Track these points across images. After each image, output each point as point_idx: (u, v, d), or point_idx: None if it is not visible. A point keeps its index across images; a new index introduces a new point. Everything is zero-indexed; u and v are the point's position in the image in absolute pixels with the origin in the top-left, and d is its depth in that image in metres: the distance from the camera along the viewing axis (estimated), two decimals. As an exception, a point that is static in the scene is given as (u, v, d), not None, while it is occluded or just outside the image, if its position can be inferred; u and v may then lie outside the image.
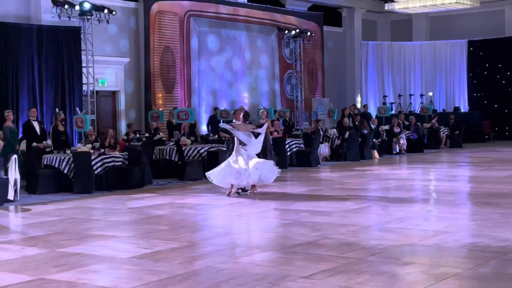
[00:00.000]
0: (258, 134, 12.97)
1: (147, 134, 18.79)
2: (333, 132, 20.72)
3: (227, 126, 13.00)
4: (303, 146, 19.11)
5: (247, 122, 13.51)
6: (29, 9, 18.33)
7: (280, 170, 13.15)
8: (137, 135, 18.43)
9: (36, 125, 15.53)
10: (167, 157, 16.30)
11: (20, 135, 15.77)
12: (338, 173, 16.90)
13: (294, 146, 18.88)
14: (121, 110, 20.97)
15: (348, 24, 29.66)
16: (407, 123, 23.78)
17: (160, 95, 21.45)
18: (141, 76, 21.23)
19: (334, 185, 14.53)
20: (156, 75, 21.29)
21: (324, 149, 20.15)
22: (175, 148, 16.22)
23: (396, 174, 16.64)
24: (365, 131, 20.95)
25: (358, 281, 6.30)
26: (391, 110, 26.60)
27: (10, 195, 12.42)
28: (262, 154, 13.35)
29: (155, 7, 21.19)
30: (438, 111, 27.85)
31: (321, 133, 20.11)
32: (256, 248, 7.96)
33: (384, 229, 9.04)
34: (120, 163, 14.40)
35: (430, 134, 24.14)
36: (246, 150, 12.63)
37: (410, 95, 29.61)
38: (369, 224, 9.70)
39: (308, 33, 25.99)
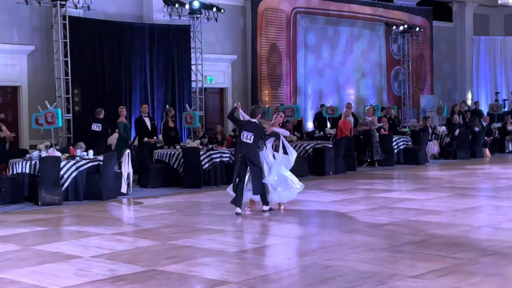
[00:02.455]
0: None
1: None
2: (442, 129, 20.21)
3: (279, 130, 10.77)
4: (410, 143, 18.75)
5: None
6: (141, 9, 18.93)
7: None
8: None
9: (147, 121, 16.02)
10: (273, 154, 16.38)
11: (133, 131, 16.33)
12: (447, 172, 16.48)
13: (401, 143, 18.56)
14: (229, 106, 21.29)
15: (459, 19, 28.78)
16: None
17: (266, 91, 21.63)
18: (248, 73, 21.48)
19: (443, 183, 14.18)
20: (263, 72, 21.48)
21: (432, 147, 19.69)
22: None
23: (508, 174, 16.03)
24: (476, 129, 20.31)
25: (470, 282, 6.12)
26: (504, 107, 25.62)
27: (123, 189, 12.89)
28: None
29: (262, 4, 21.38)
30: (555, 108, 26.58)
31: (430, 130, 19.65)
32: (363, 246, 7.89)
33: (497, 230, 8.74)
34: (227, 159, 14.63)
35: (546, 132, 23.09)
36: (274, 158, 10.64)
37: (525, 91, 28.45)
38: (480, 224, 9.41)
39: (417, 29, 25.45)
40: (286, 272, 6.64)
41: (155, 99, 18.37)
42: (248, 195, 10.57)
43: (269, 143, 10.66)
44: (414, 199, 11.79)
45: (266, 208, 10.57)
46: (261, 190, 10.47)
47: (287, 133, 11.15)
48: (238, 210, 10.35)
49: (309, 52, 23.01)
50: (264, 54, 21.47)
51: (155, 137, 15.98)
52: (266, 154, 10.55)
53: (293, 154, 10.78)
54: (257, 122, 10.53)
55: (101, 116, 15.21)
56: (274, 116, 11.10)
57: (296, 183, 10.79)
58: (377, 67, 25.29)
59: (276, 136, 10.59)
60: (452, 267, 6.67)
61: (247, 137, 10.32)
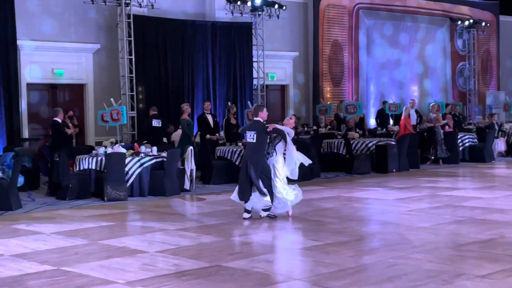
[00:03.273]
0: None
1: (314, 127, 18.93)
2: (509, 126, 19.71)
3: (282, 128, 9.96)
4: (476, 141, 18.35)
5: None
6: (204, 7, 19.11)
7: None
8: (305, 128, 18.62)
9: (209, 118, 16.14)
10: (335, 151, 16.32)
11: (195, 128, 16.49)
12: (515, 170, 16.07)
13: (466, 141, 18.18)
14: (290, 103, 21.28)
15: (527, 13, 28.01)
16: None
17: (328, 88, 21.53)
18: (309, 70, 21.41)
19: (511, 181, 13.82)
20: (324, 69, 21.38)
21: (499, 144, 19.23)
22: (343, 141, 16.21)
23: None
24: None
25: (541, 283, 5.96)
26: None
27: (186, 185, 13.03)
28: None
29: (324, 1, 21.29)
30: None
31: (496, 127, 19.19)
32: (428, 244, 7.76)
33: None
34: (288, 156, 14.58)
35: None
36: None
37: None
38: (550, 224, 9.13)
39: (483, 23, 24.89)
40: (351, 270, 6.59)
41: (217, 96, 18.52)
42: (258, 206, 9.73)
43: (280, 148, 9.79)
44: (480, 197, 11.53)
45: (264, 214, 9.73)
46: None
47: (292, 132, 10.04)
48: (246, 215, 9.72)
49: (372, 48, 22.78)
50: (325, 50, 21.38)
51: (217, 134, 16.09)
52: (276, 161, 9.72)
53: (292, 159, 9.76)
54: (260, 120, 9.80)
55: (155, 112, 15.35)
56: (286, 119, 10.52)
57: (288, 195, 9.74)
58: (441, 63, 24.85)
59: (280, 133, 9.69)
60: (521, 268, 6.50)
61: (250, 136, 9.71)
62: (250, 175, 9.61)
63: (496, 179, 14.75)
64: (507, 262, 6.74)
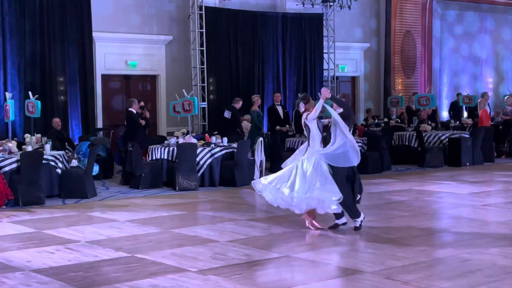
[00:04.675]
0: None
1: (385, 119, 18.70)
2: None
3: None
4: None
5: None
6: (275, -2, 19.11)
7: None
8: (376, 121, 18.41)
9: (279, 109, 16.16)
10: (407, 143, 16.08)
11: (265, 119, 16.54)
12: None
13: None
14: (361, 95, 21.09)
15: None
16: None
17: (399, 80, 21.21)
18: (381, 61, 21.15)
19: None
20: (396, 60, 21.07)
21: None
22: (415, 134, 15.95)
23: None
24: None
25: None
26: None
27: (256, 176, 13.05)
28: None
29: (396, -9, 20.95)
30: None
31: None
32: (503, 240, 7.57)
33: None
34: (359, 148, 14.45)
35: None
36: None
37: None
38: None
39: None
40: (423, 264, 6.50)
41: (287, 87, 18.51)
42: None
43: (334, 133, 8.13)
44: (559, 193, 11.18)
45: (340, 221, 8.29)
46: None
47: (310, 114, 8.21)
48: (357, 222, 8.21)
49: (445, 39, 22.31)
50: (398, 42, 21.06)
51: (287, 125, 16.10)
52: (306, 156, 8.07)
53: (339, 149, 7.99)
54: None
55: (237, 105, 15.37)
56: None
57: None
58: (518, 54, 24.14)
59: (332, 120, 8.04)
60: None
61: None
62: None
63: None
64: None
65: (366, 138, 14.91)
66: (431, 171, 14.76)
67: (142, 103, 15.85)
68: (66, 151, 12.77)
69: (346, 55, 20.39)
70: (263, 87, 18.10)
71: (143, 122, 13.93)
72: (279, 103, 16.26)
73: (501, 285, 5.79)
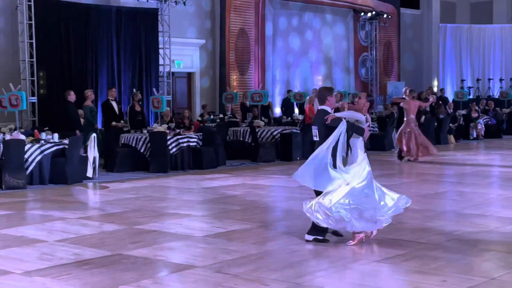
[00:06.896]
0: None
1: (221, 115, 18.96)
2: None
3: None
4: (377, 130, 18.89)
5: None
6: (108, -9, 18.71)
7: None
8: (212, 116, 18.62)
9: (114, 104, 15.86)
10: (241, 139, 16.42)
11: (99, 114, 16.17)
12: (413, 158, 16.62)
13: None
14: (196, 91, 21.21)
15: (426, 6, 28.98)
16: (487, 107, 23.21)
17: (234, 77, 21.58)
18: (216, 58, 21.38)
19: (409, 169, 14.32)
20: (231, 57, 21.41)
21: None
22: (249, 129, 16.32)
23: (472, 160, 16.25)
24: (442, 116, 20.53)
25: (433, 267, 6.21)
26: (469, 94, 25.95)
27: (89, 173, 12.77)
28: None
29: (231, -11, 21.27)
30: (519, 96, 26.97)
31: (396, 116, 19.79)
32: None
33: (460, 215, 8.87)
34: (194, 144, 14.58)
35: (509, 120, 23.48)
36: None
37: (489, 79, 28.80)
38: (444, 210, 9.54)
39: (385, 15, 25.59)
40: (253, 257, 6.66)
41: (122, 83, 18.19)
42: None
43: (356, 143, 7.47)
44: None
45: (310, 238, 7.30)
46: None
47: (362, 117, 7.53)
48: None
49: (278, 37, 22.98)
50: (232, 39, 21.39)
51: (122, 121, 15.84)
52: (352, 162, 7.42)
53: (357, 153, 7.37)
54: (325, 109, 7.39)
55: (71, 98, 14.81)
56: (355, 100, 8.33)
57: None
58: (345, 53, 25.39)
59: (352, 127, 7.28)
60: (416, 252, 6.73)
61: (314, 134, 7.52)
62: None
63: (395, 167, 15.23)
64: (404, 247, 6.98)
65: (201, 133, 15.04)
66: (264, 165, 15.18)
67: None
68: None
69: (182, 51, 20.40)
70: (97, 82, 17.66)
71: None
72: (113, 99, 15.95)
73: (327, 274, 6.07)
